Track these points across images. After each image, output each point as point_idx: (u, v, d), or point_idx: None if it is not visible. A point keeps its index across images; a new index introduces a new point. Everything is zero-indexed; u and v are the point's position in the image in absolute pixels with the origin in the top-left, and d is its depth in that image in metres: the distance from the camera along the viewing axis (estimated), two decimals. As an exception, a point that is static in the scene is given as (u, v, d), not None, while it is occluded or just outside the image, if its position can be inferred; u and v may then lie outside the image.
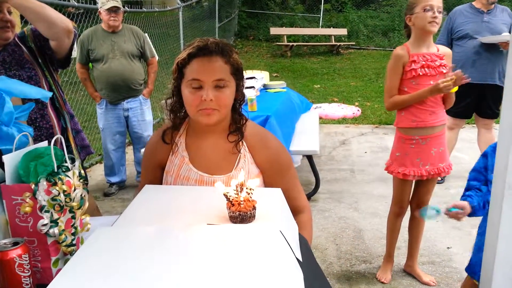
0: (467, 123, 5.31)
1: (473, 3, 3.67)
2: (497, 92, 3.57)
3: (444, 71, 2.16)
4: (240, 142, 1.35)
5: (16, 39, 1.90)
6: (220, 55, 1.26)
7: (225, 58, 1.27)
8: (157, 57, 4.03)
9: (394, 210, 2.42)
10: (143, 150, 1.52)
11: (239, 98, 1.36)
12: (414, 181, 2.36)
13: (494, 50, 3.54)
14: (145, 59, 3.80)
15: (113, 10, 3.48)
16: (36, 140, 1.67)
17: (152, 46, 3.95)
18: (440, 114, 2.23)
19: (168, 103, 1.37)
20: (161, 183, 1.40)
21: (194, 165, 1.34)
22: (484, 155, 1.68)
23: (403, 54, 2.19)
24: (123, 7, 3.81)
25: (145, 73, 3.88)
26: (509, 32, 3.52)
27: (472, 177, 1.70)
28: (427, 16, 2.10)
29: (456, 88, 2.11)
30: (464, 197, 1.66)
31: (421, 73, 2.15)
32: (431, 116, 2.19)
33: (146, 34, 3.98)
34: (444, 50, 2.25)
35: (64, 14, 1.94)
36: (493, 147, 1.60)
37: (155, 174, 1.41)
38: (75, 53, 3.65)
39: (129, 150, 4.35)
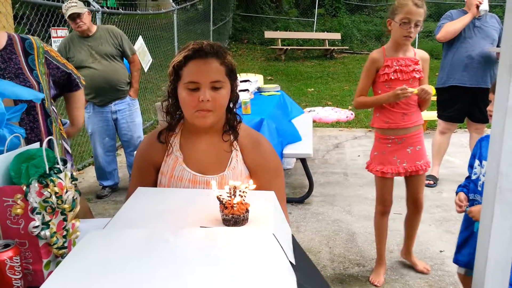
0: (459, 128, 5.35)
1: (464, 8, 3.71)
2: (488, 96, 3.60)
3: (417, 76, 2.21)
4: (234, 142, 1.36)
5: (18, 47, 1.74)
6: (215, 57, 1.28)
7: (220, 59, 1.29)
8: (151, 60, 4.00)
9: (378, 209, 2.47)
10: (135, 152, 1.51)
11: (233, 98, 1.37)
12: (404, 181, 2.42)
13: (486, 55, 3.57)
14: (126, 57, 3.68)
15: (74, 16, 3.36)
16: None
17: (131, 44, 3.78)
18: (413, 116, 2.27)
19: (164, 105, 1.38)
20: (154, 185, 1.40)
21: (187, 165, 1.34)
22: (476, 144, 1.86)
23: (378, 58, 2.24)
24: (117, 9, 3.76)
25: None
26: (499, 38, 3.56)
27: (469, 163, 1.88)
28: (402, 30, 2.13)
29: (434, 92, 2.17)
30: (460, 187, 1.85)
31: (393, 77, 2.21)
32: (403, 118, 2.25)
33: (140, 38, 3.94)
34: (421, 54, 2.28)
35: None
36: (482, 137, 1.84)
37: (149, 176, 1.40)
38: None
39: (121, 153, 4.33)
